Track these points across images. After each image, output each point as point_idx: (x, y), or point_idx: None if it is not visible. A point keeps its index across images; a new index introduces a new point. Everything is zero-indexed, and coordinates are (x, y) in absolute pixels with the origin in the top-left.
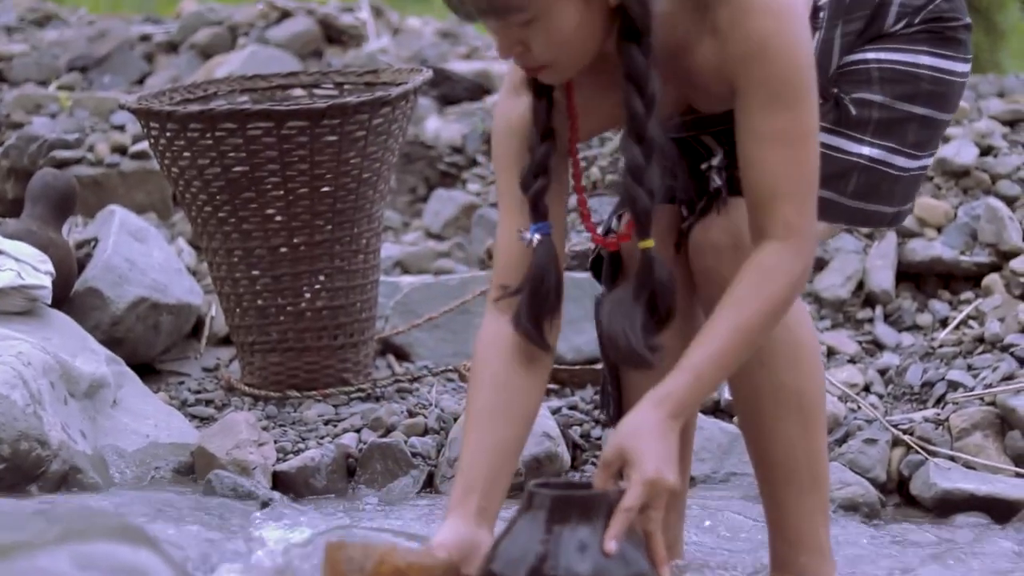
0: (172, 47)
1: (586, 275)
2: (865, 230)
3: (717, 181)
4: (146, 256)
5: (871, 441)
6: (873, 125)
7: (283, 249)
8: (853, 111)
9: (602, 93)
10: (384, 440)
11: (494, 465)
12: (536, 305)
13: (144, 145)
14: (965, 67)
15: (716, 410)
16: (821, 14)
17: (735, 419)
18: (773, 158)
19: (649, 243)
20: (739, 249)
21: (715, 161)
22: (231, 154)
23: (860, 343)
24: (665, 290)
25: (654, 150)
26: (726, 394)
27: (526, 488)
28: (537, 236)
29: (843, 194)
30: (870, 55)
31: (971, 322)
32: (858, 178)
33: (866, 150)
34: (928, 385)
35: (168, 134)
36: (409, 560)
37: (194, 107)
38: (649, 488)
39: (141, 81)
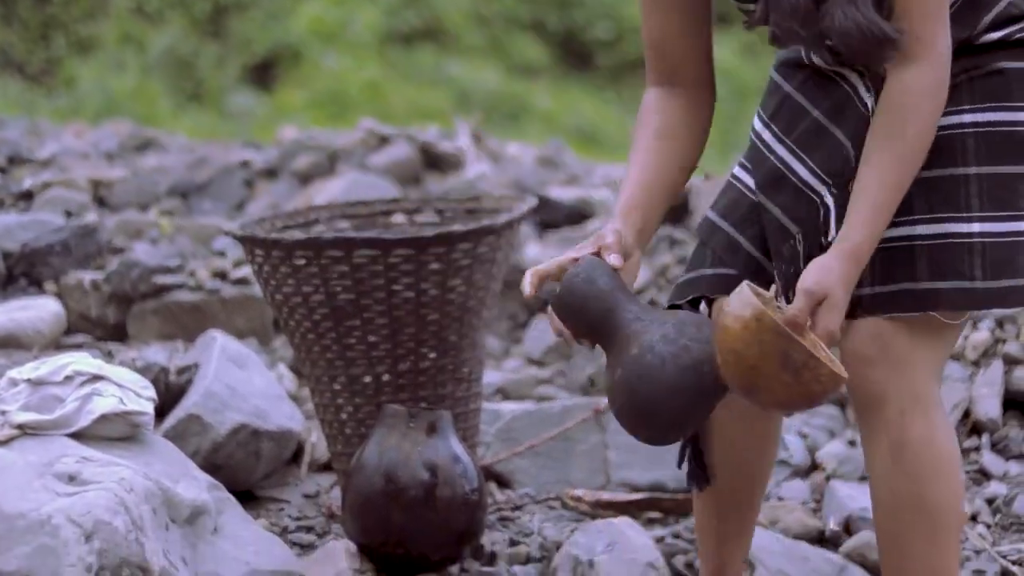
0: (271, 173)
1: None
2: (973, 356)
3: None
4: (247, 382)
5: (980, 573)
6: (976, 199)
7: (386, 377)
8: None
9: None
10: (487, 568)
11: (654, 197)
12: None
13: (244, 271)
14: None
15: (822, 539)
16: None
17: (840, 549)
18: None
19: None
20: (885, 362)
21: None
22: (336, 281)
23: (967, 472)
24: None
25: None
26: (832, 524)
27: None
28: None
29: (971, 279)
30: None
31: None
32: (983, 258)
33: (976, 227)
34: None
35: (273, 261)
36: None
37: (298, 234)
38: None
39: (240, 206)
